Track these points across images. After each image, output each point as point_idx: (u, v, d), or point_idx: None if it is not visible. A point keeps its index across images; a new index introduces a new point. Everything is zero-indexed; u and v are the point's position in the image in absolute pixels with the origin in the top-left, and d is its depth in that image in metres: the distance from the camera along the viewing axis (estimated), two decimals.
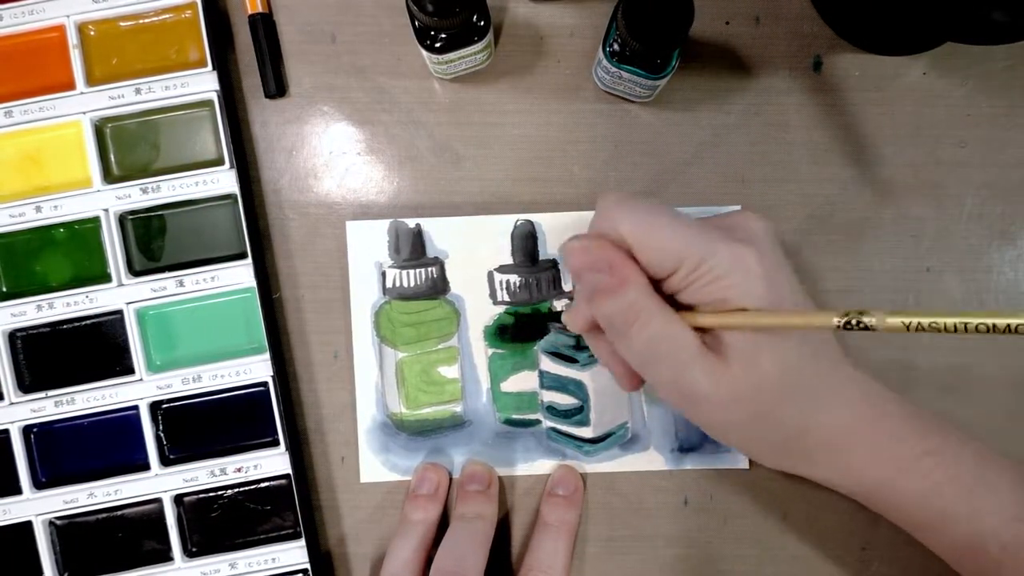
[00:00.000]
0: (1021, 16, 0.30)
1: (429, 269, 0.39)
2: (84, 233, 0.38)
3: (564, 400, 0.39)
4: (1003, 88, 0.39)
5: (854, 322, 0.25)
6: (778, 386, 0.30)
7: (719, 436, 0.34)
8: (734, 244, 0.29)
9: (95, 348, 0.38)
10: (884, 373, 0.39)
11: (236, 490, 0.39)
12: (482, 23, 0.35)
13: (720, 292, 0.29)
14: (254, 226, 0.39)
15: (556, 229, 0.39)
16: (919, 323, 0.24)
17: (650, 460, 0.39)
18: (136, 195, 0.38)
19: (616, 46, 0.35)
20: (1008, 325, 0.23)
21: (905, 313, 0.24)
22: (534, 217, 0.39)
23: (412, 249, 0.39)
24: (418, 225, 0.39)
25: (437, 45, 0.35)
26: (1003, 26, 0.31)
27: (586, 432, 0.39)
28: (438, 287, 0.39)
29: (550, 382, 0.39)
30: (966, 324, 0.23)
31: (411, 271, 0.39)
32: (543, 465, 0.39)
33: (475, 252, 0.39)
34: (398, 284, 0.39)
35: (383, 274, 0.39)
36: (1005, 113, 0.39)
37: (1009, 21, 0.30)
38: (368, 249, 0.39)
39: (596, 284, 0.30)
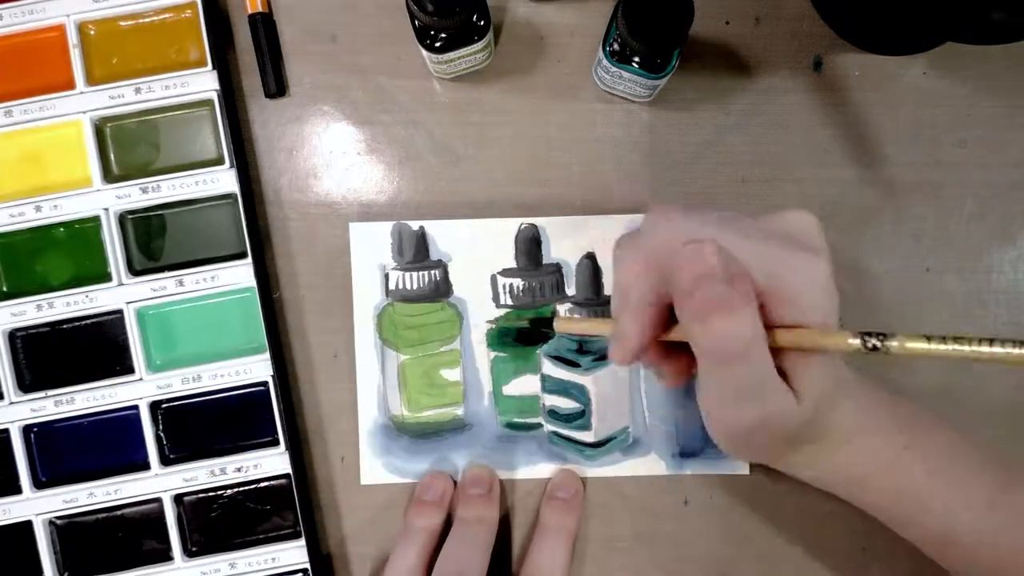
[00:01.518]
0: (1021, 16, 0.30)
1: (432, 272, 0.39)
2: (84, 233, 0.38)
3: (566, 404, 0.39)
4: (1003, 88, 0.39)
5: (872, 342, 0.24)
6: (831, 403, 0.28)
7: (731, 449, 0.31)
8: (805, 256, 0.27)
9: (95, 348, 0.38)
10: (884, 373, 0.39)
11: (236, 490, 0.39)
12: (482, 23, 0.35)
13: (798, 312, 0.26)
14: (254, 226, 0.39)
15: (559, 233, 0.39)
16: (944, 348, 0.23)
17: (651, 465, 0.39)
18: (136, 195, 0.38)
19: (616, 46, 0.35)
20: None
21: (931, 336, 0.23)
22: (538, 221, 0.39)
23: (415, 251, 0.39)
24: (422, 228, 0.39)
25: (437, 45, 0.35)
26: (1003, 26, 0.31)
27: (587, 436, 0.39)
28: (441, 290, 0.39)
29: (552, 386, 0.39)
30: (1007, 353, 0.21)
31: (414, 273, 0.39)
32: (544, 469, 0.39)
33: (478, 255, 0.39)
34: (401, 286, 0.39)
35: (386, 276, 0.39)
36: (1005, 113, 0.39)
37: (1009, 21, 0.30)
38: (371, 251, 0.39)
39: (712, 298, 0.25)
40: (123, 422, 0.38)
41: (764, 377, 0.26)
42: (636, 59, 0.34)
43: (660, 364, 0.31)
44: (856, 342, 0.24)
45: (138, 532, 0.39)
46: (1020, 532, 0.29)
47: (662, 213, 0.29)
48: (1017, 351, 0.22)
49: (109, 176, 0.38)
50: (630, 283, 0.28)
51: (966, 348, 0.22)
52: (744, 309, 0.25)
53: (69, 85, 0.38)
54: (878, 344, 0.24)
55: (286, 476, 0.38)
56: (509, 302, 0.39)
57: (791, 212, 0.29)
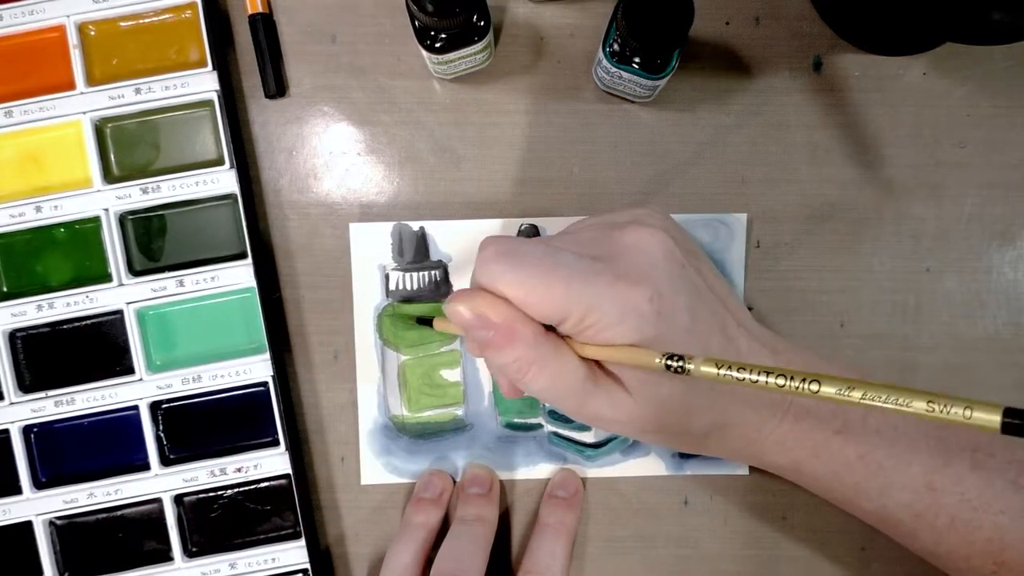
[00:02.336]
0: (1021, 16, 0.30)
1: (432, 272, 0.39)
2: (84, 233, 0.38)
3: None
4: (1003, 88, 0.39)
5: (675, 365, 0.26)
6: (682, 405, 0.30)
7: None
8: (622, 288, 0.28)
9: (95, 348, 0.38)
10: (883, 373, 0.39)
11: (236, 490, 0.39)
12: (482, 23, 0.35)
13: (610, 339, 0.28)
14: (254, 226, 0.39)
15: None
16: (730, 374, 0.24)
17: (651, 465, 0.39)
18: (136, 195, 0.38)
19: (616, 46, 0.35)
20: (814, 392, 0.22)
21: (720, 363, 0.25)
22: (538, 221, 0.39)
23: (416, 252, 0.39)
24: (422, 228, 0.39)
25: (437, 45, 0.35)
26: (1003, 26, 0.30)
27: (587, 437, 0.39)
28: (441, 290, 0.39)
29: None
30: (780, 384, 0.23)
31: (414, 274, 0.39)
32: (544, 469, 0.39)
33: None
34: (401, 287, 0.39)
35: (386, 276, 0.39)
36: (1005, 113, 0.39)
37: (1009, 21, 0.30)
38: (371, 251, 0.39)
39: (483, 340, 0.29)
40: (123, 422, 0.38)
41: (559, 380, 0.29)
42: (636, 59, 0.34)
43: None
44: (660, 362, 0.26)
45: (138, 532, 0.39)
46: (959, 510, 0.30)
47: (487, 251, 0.29)
48: (782, 382, 0.23)
49: (109, 176, 0.38)
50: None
51: (747, 376, 0.24)
52: (505, 348, 0.28)
53: (69, 85, 0.38)
54: (677, 366, 0.26)
55: (286, 476, 0.38)
56: None
57: (631, 231, 0.30)
